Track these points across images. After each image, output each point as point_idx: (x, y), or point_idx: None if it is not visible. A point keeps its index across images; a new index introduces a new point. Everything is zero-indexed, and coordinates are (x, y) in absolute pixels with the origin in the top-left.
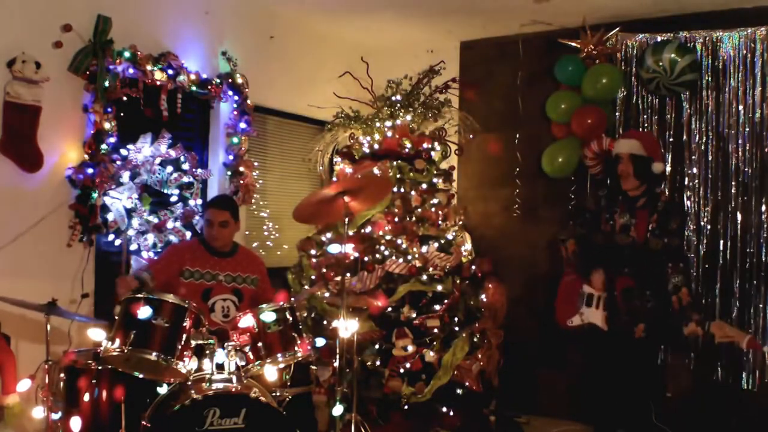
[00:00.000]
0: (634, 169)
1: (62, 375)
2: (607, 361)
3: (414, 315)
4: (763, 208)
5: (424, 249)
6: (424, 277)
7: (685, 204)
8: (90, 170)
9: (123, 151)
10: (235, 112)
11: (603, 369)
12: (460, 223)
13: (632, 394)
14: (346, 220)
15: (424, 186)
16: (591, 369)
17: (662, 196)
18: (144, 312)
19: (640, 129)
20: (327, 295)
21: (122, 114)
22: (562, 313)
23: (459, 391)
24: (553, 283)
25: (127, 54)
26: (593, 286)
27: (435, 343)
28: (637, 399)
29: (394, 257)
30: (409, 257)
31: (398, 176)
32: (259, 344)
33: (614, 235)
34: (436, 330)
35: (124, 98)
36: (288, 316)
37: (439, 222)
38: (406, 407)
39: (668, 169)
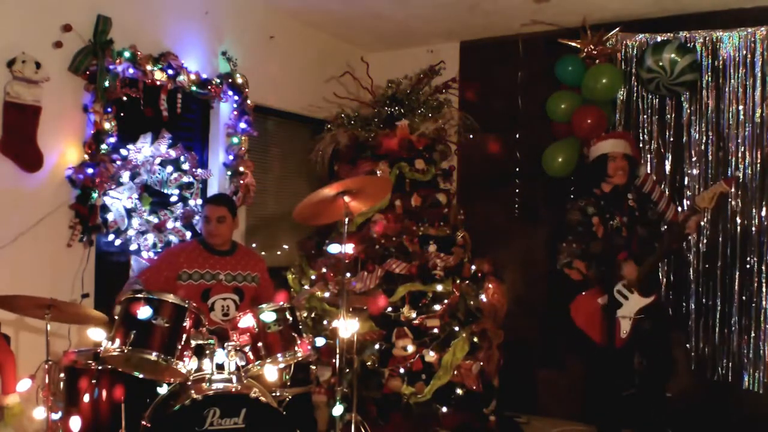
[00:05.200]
0: (629, 168)
1: (62, 375)
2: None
3: (414, 315)
4: (764, 208)
5: (424, 249)
6: (424, 277)
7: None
8: (90, 170)
9: (123, 151)
10: (235, 112)
11: (611, 372)
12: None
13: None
14: (346, 220)
15: (424, 186)
16: (597, 372)
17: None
18: (144, 312)
19: (640, 129)
20: (327, 295)
21: (122, 114)
22: (601, 335)
23: (459, 391)
24: (553, 283)
25: (127, 54)
26: (627, 275)
27: (435, 343)
28: (644, 399)
29: (394, 257)
30: (409, 257)
31: (398, 176)
32: (259, 344)
33: (610, 239)
34: (436, 330)
35: (124, 98)
36: (288, 316)
37: (439, 222)
38: (406, 407)
39: (668, 168)
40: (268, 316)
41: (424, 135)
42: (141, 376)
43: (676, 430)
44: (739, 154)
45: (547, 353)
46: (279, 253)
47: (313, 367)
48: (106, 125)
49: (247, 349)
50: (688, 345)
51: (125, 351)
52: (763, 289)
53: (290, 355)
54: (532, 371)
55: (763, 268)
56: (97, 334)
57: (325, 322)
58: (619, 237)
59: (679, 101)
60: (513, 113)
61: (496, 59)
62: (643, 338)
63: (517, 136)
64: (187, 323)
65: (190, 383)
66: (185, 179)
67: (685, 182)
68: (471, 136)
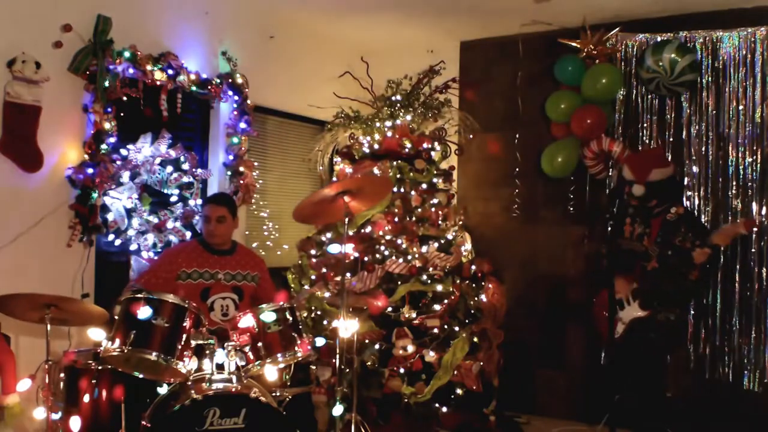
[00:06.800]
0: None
1: (62, 375)
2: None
3: (414, 315)
4: (764, 208)
5: (424, 249)
6: (424, 277)
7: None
8: (90, 170)
9: (123, 151)
10: (235, 112)
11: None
12: (460, 223)
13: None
14: (346, 220)
15: (424, 186)
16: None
17: (677, 208)
18: (144, 312)
19: (640, 128)
20: (327, 295)
21: (122, 114)
22: (605, 329)
23: (459, 391)
24: (554, 283)
25: (127, 54)
26: (617, 290)
27: (435, 343)
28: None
29: (394, 257)
30: (409, 257)
31: (398, 176)
32: (259, 344)
33: (632, 242)
34: (436, 330)
35: (124, 98)
36: (288, 316)
37: (439, 222)
38: (406, 407)
39: None
40: (268, 316)
41: (424, 135)
42: (141, 376)
43: (675, 430)
44: (739, 154)
45: (547, 353)
46: (279, 253)
47: (313, 367)
48: (106, 125)
49: (247, 349)
50: (688, 345)
51: (125, 351)
52: (764, 289)
53: (290, 355)
54: (532, 371)
55: (764, 268)
56: (97, 334)
57: (325, 322)
58: (639, 244)
59: (679, 101)
60: (513, 113)
61: (496, 59)
62: (637, 351)
63: (517, 136)
64: (187, 323)
65: (190, 383)
66: (185, 179)
67: (685, 182)
68: (471, 136)
